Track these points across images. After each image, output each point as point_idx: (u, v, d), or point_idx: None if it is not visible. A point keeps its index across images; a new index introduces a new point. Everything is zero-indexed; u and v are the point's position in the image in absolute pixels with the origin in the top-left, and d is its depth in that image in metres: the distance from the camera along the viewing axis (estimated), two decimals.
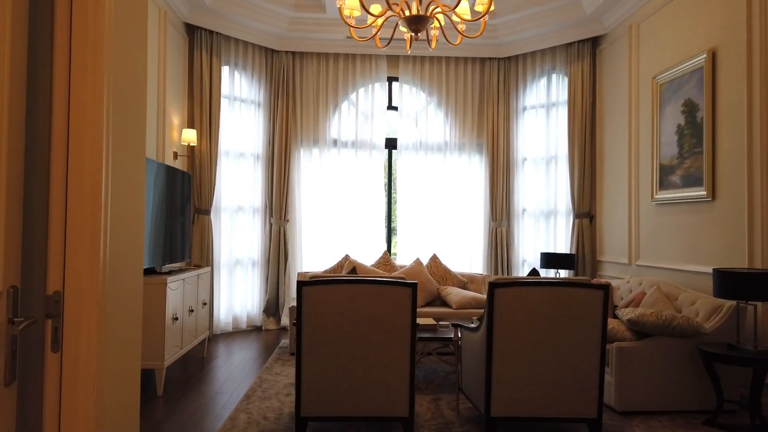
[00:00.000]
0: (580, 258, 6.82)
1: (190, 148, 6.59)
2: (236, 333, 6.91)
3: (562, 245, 7.14)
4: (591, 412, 3.34)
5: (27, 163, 1.60)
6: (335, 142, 7.38)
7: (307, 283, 3.17)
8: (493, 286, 3.23)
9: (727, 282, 3.63)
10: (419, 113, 7.51)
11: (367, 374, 3.23)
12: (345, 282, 3.18)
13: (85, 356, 1.64)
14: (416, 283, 3.22)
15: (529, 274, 5.74)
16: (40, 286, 1.63)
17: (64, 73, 1.64)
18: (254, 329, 7.14)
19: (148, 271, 4.64)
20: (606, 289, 3.25)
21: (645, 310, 4.10)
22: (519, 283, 3.23)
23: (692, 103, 4.94)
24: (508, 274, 7.35)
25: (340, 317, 3.20)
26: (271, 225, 7.21)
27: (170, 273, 4.68)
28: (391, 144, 7.53)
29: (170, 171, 5.09)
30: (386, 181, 7.63)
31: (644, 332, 4.04)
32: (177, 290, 4.62)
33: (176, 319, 4.56)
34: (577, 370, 3.30)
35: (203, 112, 6.51)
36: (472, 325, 4.47)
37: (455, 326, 3.97)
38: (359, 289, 3.18)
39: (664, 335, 4.01)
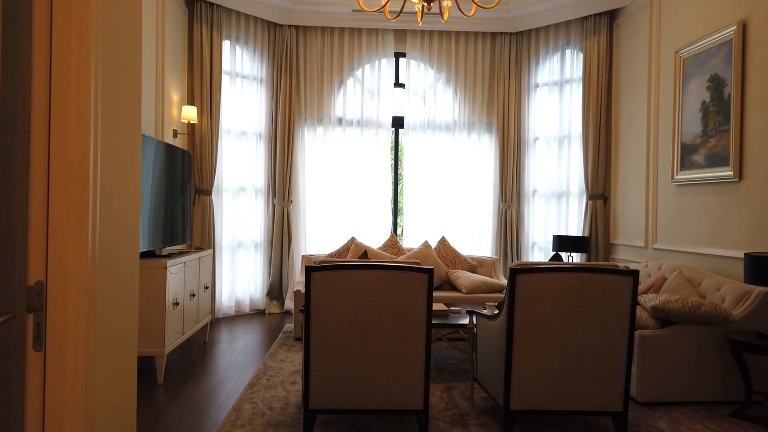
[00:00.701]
0: (593, 241, 6.61)
1: (190, 126, 6.35)
2: (239, 317, 6.74)
3: (574, 228, 6.93)
4: (616, 406, 3.15)
5: (2, 132, 1.38)
6: (340, 121, 7.13)
7: (316, 269, 2.97)
8: (515, 272, 3.02)
9: (762, 267, 3.42)
10: (427, 91, 7.24)
11: (379, 365, 3.04)
12: (357, 267, 2.98)
13: (72, 355, 1.43)
14: (432, 269, 3.01)
15: (551, 260, 5.53)
16: (20, 275, 1.42)
17: (45, 25, 1.40)
18: (257, 313, 6.97)
19: (147, 255, 4.44)
20: (636, 275, 3.05)
21: (669, 296, 3.90)
22: (542, 269, 3.03)
23: (719, 78, 4.69)
24: (517, 258, 7.15)
25: (352, 305, 2.99)
26: (274, 206, 6.99)
27: (170, 256, 4.48)
28: (397, 123, 7.28)
29: (169, 149, 4.86)
30: (392, 161, 7.40)
31: (668, 320, 3.85)
32: (178, 274, 4.42)
33: (177, 304, 4.37)
34: (603, 361, 3.10)
35: (204, 88, 6.26)
36: (486, 311, 4.28)
37: (470, 313, 3.77)
38: (372, 275, 2.98)
39: (690, 323, 3.82)
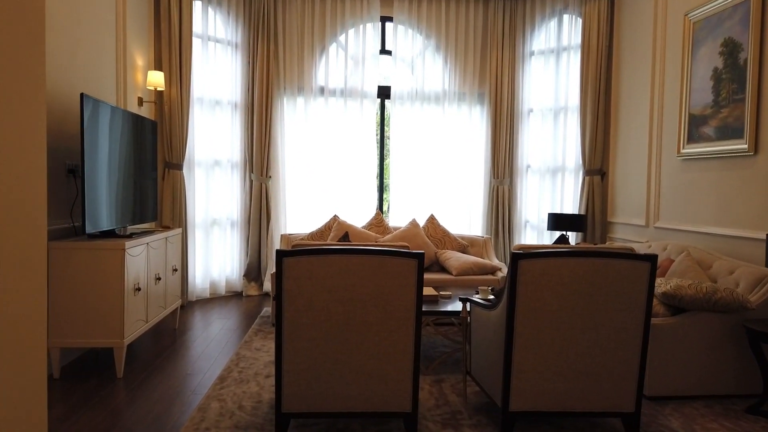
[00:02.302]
0: (590, 219, 6.27)
1: (158, 94, 5.85)
2: (214, 299, 6.33)
3: (570, 205, 6.57)
4: (627, 406, 2.81)
5: None
6: (322, 90, 6.65)
7: (289, 253, 2.56)
8: (517, 257, 2.64)
9: None
10: (415, 58, 6.77)
11: (362, 363, 2.66)
12: (336, 252, 2.57)
13: None
14: (423, 254, 2.62)
15: (556, 242, 5.14)
16: None
17: None
18: (234, 295, 6.56)
19: (107, 235, 3.99)
20: (653, 260, 2.68)
21: (681, 281, 3.56)
22: (548, 253, 2.64)
23: (734, 42, 4.29)
24: (509, 237, 6.79)
25: (330, 295, 2.60)
26: (251, 181, 6.54)
27: (131, 236, 4.04)
28: (384, 93, 6.82)
29: (133, 119, 4.39)
30: (378, 134, 6.95)
31: (680, 307, 3.51)
32: (139, 256, 3.98)
33: (138, 289, 3.94)
34: (615, 357, 2.75)
35: (172, 52, 5.74)
36: (479, 297, 3.91)
37: (464, 301, 3.39)
38: (354, 261, 2.58)
39: (703, 310, 3.48)
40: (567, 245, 2.85)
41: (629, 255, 2.66)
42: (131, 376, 3.80)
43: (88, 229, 3.66)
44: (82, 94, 3.57)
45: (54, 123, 3.86)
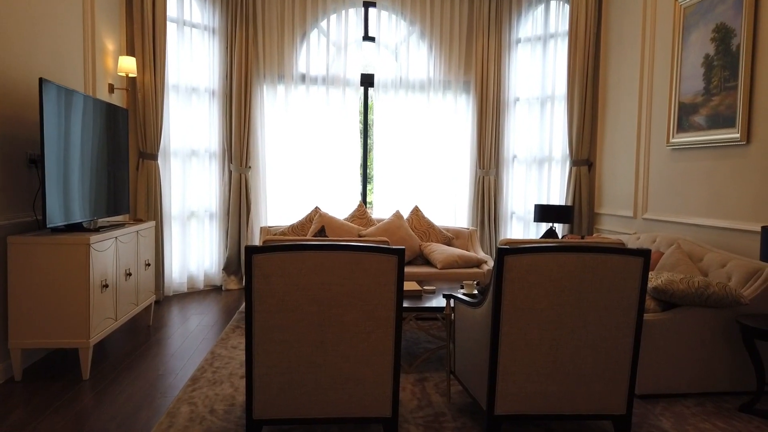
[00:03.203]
0: (576, 210, 6.14)
1: (131, 81, 5.60)
2: (192, 294, 6.12)
3: (557, 196, 6.44)
4: (618, 408, 2.68)
5: None
6: (303, 78, 6.44)
7: (258, 250, 2.38)
8: (503, 253, 2.48)
9: None
10: (399, 45, 6.58)
11: (338, 366, 2.50)
12: (311, 248, 2.40)
13: None
14: (403, 250, 2.45)
15: (544, 235, 4.99)
16: None
17: None
18: (213, 289, 6.36)
19: (73, 229, 3.78)
20: (647, 255, 2.53)
21: (672, 275, 3.43)
22: (536, 248, 2.49)
23: (726, 28, 4.16)
24: (495, 228, 6.65)
25: (304, 294, 2.42)
26: (230, 172, 6.33)
27: (99, 230, 3.83)
28: (367, 81, 6.62)
29: (102, 106, 4.16)
30: (362, 123, 6.76)
31: (671, 302, 3.38)
32: (107, 251, 3.78)
33: (106, 286, 3.74)
34: (606, 357, 2.61)
35: (145, 37, 5.49)
36: (464, 293, 3.77)
37: (447, 297, 3.24)
38: (329, 257, 2.40)
39: (695, 306, 3.36)
40: (555, 239, 2.71)
41: (621, 250, 2.51)
42: (98, 378, 3.60)
43: (50, 223, 3.45)
44: (40, 79, 3.34)
45: (13, 110, 3.63)
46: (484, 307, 2.68)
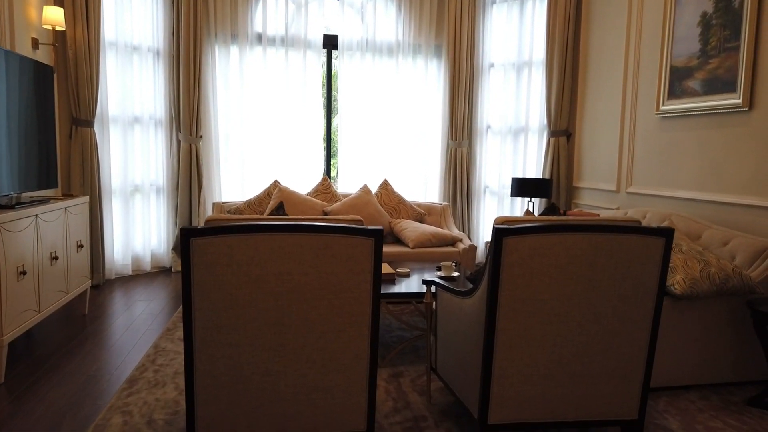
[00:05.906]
0: (554, 184, 5.79)
1: (58, 35, 4.91)
2: (138, 276, 5.54)
3: (533, 169, 6.07)
4: (630, 412, 2.31)
5: None
6: (260, 38, 5.83)
7: (198, 232, 1.88)
8: (501, 234, 2.05)
9: None
10: (365, 4, 6.02)
11: (301, 374, 2.04)
12: (265, 229, 1.91)
13: None
14: (381, 230, 1.99)
15: (544, 213, 4.56)
16: None
17: None
18: (162, 271, 5.79)
19: None
20: (669, 235, 2.14)
21: (687, 267, 3.07)
22: (540, 227, 2.06)
23: None
24: (468, 204, 6.25)
25: (258, 287, 1.94)
26: (179, 142, 5.71)
27: (14, 207, 3.23)
28: (330, 42, 6.05)
29: (18, 61, 3.50)
30: (325, 90, 6.20)
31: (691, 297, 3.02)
32: (23, 231, 3.19)
33: (24, 273, 3.16)
34: (618, 354, 2.23)
35: None
36: (441, 276, 3.35)
37: (428, 284, 2.80)
38: (290, 241, 1.92)
39: (709, 297, 3.01)
40: (559, 217, 2.29)
41: (639, 229, 2.11)
42: (16, 381, 3.05)
43: None
44: None
45: None
46: (476, 298, 2.25)
